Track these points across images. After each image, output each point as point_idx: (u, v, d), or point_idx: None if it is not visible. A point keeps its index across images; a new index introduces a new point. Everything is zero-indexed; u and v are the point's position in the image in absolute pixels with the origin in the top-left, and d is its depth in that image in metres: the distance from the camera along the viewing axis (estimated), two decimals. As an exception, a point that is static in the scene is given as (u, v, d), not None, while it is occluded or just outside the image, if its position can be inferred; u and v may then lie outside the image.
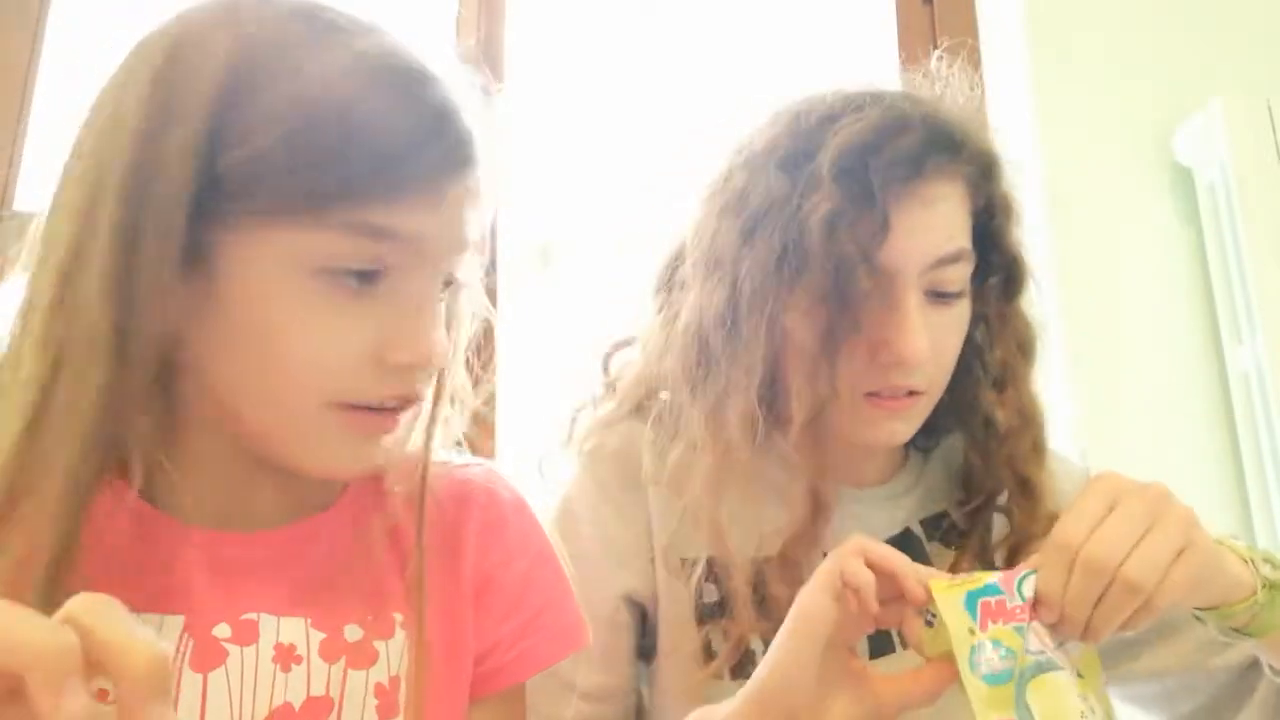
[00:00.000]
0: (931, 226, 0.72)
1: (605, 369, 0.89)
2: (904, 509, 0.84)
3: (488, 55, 1.51)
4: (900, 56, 1.63)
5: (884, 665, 0.76)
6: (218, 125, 0.51)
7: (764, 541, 0.76)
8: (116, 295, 0.50)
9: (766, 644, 0.65)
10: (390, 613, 0.61)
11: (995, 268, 0.79)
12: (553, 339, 1.38)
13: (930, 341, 0.72)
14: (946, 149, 0.73)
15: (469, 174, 0.56)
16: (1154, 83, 1.56)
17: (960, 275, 0.74)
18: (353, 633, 0.59)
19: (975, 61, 1.66)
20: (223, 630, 0.56)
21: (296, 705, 0.56)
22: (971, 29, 1.67)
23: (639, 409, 0.83)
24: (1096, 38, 1.59)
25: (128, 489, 0.53)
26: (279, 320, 0.53)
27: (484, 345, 0.70)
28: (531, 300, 1.40)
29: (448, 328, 0.60)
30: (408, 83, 0.54)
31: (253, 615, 0.57)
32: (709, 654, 0.76)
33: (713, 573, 0.77)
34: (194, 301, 0.53)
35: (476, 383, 0.70)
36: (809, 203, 0.71)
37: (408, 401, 0.57)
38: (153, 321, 0.51)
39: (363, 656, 0.59)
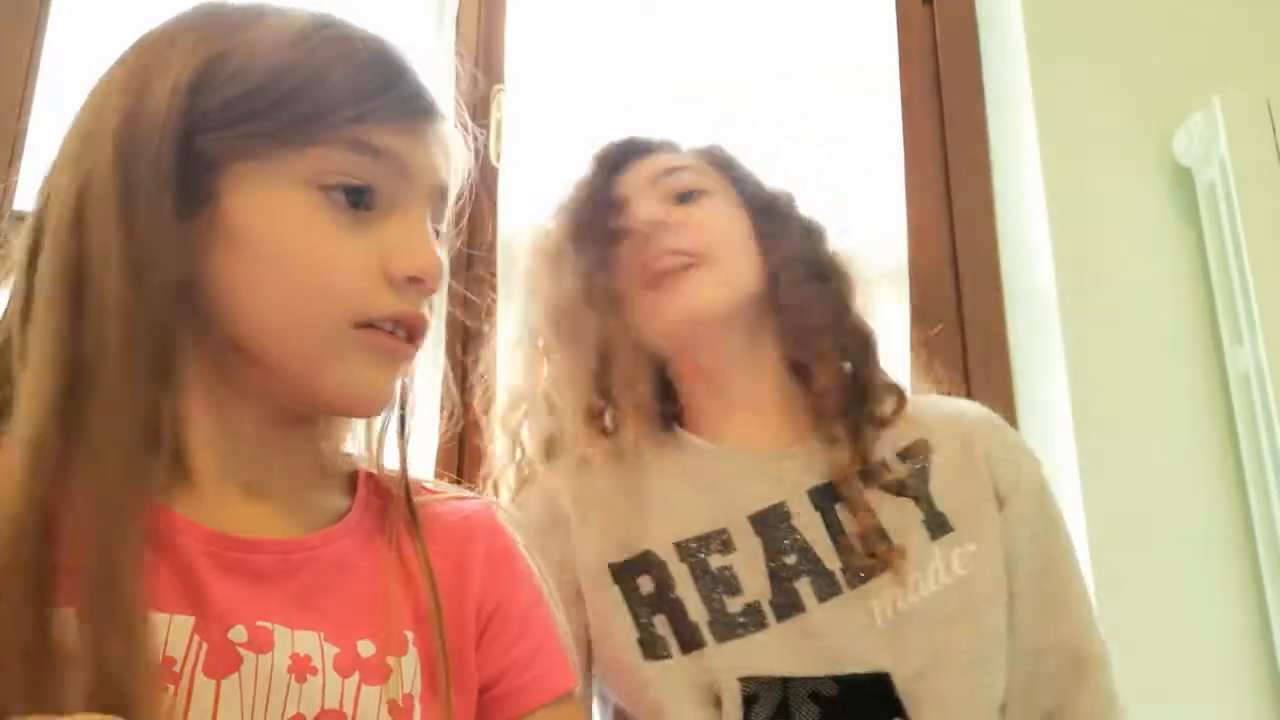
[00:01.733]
0: (654, 169, 0.94)
1: (510, 435, 0.96)
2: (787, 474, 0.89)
3: (488, 55, 1.51)
4: (900, 56, 1.63)
5: (832, 609, 0.82)
6: (202, 72, 0.56)
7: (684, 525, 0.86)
8: (123, 247, 0.53)
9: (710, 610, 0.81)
10: (402, 630, 0.60)
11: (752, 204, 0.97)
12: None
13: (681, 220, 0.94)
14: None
15: (437, 120, 0.62)
16: (1154, 83, 1.56)
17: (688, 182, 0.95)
18: (365, 648, 0.58)
19: (975, 61, 1.66)
20: (239, 634, 0.55)
21: (310, 717, 0.55)
22: (971, 29, 1.67)
23: (546, 455, 0.92)
24: (1096, 38, 1.59)
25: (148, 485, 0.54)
26: (289, 244, 0.57)
27: (468, 350, 0.73)
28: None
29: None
30: (370, 39, 0.61)
31: (266, 624, 0.56)
32: (650, 642, 0.82)
33: (644, 565, 0.85)
34: (206, 244, 0.56)
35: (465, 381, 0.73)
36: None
37: (416, 328, 0.61)
38: (166, 269, 0.54)
39: (376, 673, 0.58)
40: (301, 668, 0.55)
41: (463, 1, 1.54)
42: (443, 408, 0.79)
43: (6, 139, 1.38)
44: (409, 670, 0.59)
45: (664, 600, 0.83)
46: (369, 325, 0.58)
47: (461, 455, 1.23)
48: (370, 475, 0.68)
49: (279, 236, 0.57)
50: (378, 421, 0.68)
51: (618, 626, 0.83)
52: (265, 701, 0.54)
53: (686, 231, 0.88)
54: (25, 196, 1.48)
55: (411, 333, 0.61)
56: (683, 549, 0.85)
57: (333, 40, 0.59)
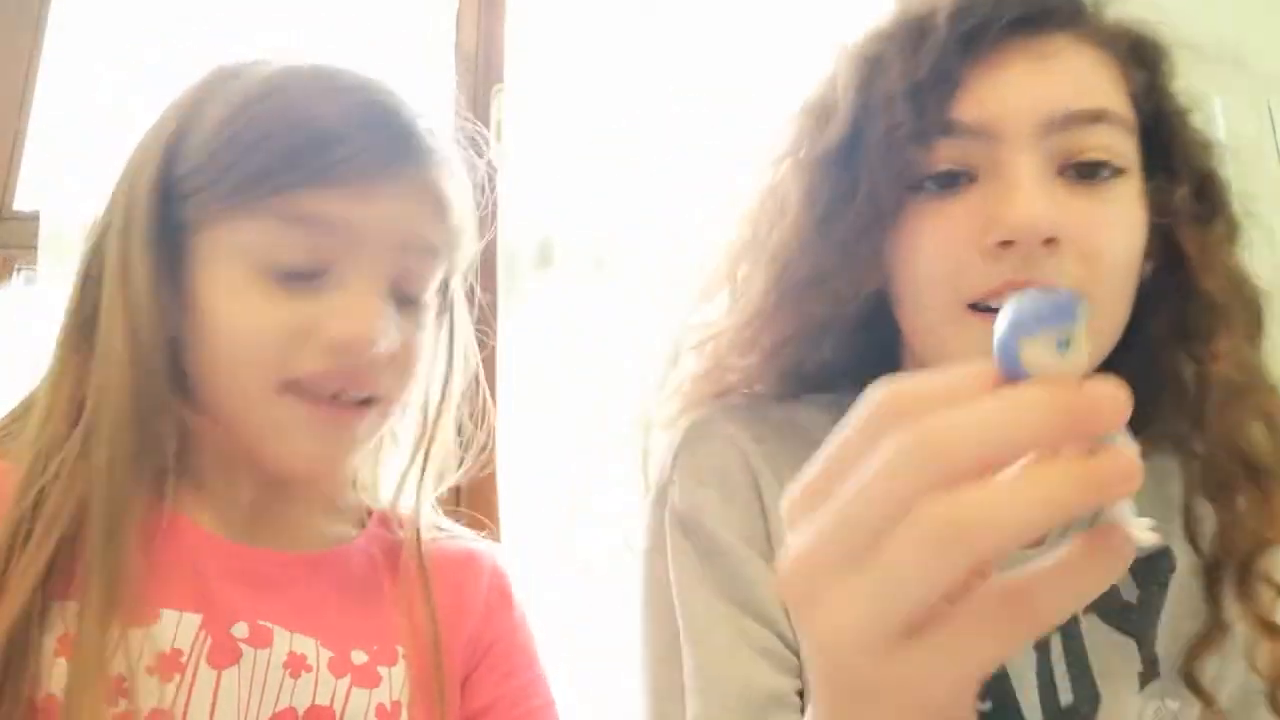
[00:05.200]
0: (1045, 79, 0.59)
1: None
2: None
3: (488, 55, 1.51)
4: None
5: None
6: (176, 138, 0.59)
7: None
8: (123, 303, 0.57)
9: None
10: (394, 645, 0.63)
11: (1179, 178, 0.63)
12: (554, 336, 1.38)
13: (1064, 221, 0.56)
14: (1067, 15, 0.62)
15: (408, 170, 0.59)
16: (1154, 83, 1.56)
17: (1105, 141, 0.59)
18: (358, 656, 0.62)
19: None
20: (240, 630, 0.59)
21: (300, 711, 0.58)
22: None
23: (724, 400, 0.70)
24: (1096, 38, 1.59)
25: (160, 497, 0.59)
26: (229, 306, 0.57)
27: (475, 395, 0.73)
28: (532, 298, 1.40)
29: (411, 350, 0.62)
30: (333, 81, 0.59)
31: (267, 624, 0.60)
32: None
33: None
34: (180, 305, 0.59)
35: (474, 418, 0.73)
36: (886, 80, 0.60)
37: (350, 387, 0.59)
38: (154, 328, 0.57)
39: (367, 678, 0.61)
40: (297, 665, 0.59)
41: (462, 2, 1.54)
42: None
43: (6, 139, 1.39)
44: (398, 680, 0.62)
45: None
46: (297, 387, 0.58)
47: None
48: (384, 514, 0.71)
49: (218, 305, 0.58)
50: (399, 462, 0.71)
51: None
52: (261, 693, 0.58)
53: (1077, 253, 0.57)
54: (25, 196, 1.49)
55: (353, 389, 0.59)
56: None
57: (274, 108, 0.58)
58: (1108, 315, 0.59)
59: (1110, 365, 0.60)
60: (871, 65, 0.62)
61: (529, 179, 1.41)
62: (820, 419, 0.67)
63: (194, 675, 0.56)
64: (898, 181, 0.60)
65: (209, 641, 0.57)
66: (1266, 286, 0.65)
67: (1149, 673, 0.63)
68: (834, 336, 0.66)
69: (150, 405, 0.57)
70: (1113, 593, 0.64)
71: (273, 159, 0.56)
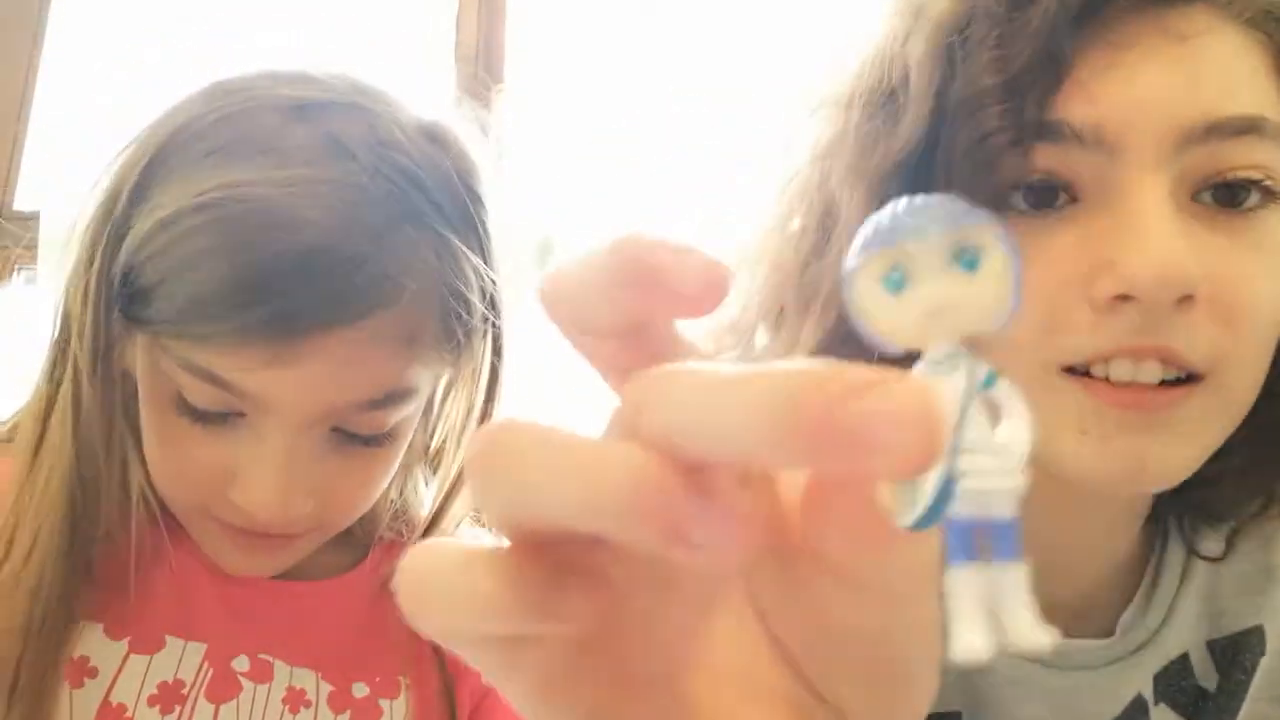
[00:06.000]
0: (1184, 73, 0.44)
1: None
2: (1140, 665, 0.54)
3: (487, 55, 1.51)
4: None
5: None
6: (123, 215, 0.53)
7: None
8: (90, 353, 0.53)
9: None
10: (397, 675, 0.62)
11: None
12: (553, 336, 1.38)
13: (1203, 271, 0.42)
14: None
15: (345, 329, 0.50)
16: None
17: (1258, 158, 0.45)
18: (359, 689, 0.60)
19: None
20: (241, 664, 0.58)
21: None
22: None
23: None
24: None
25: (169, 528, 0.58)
26: (149, 426, 0.54)
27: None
28: (531, 298, 1.40)
29: (361, 482, 0.57)
30: (279, 214, 0.50)
31: (268, 657, 0.59)
32: None
33: None
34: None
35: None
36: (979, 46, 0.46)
37: (285, 532, 0.55)
38: (110, 391, 0.54)
39: (366, 713, 0.60)
40: (296, 700, 0.58)
41: (462, 2, 1.54)
42: None
43: (6, 139, 1.38)
44: (399, 714, 0.61)
45: None
46: (221, 520, 0.55)
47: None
48: (391, 543, 0.67)
49: (146, 418, 0.54)
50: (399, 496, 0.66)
51: None
52: None
53: (1215, 310, 0.44)
54: (25, 196, 1.48)
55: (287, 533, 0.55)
56: None
57: (195, 243, 0.49)
58: (1248, 379, 0.46)
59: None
60: (952, 48, 0.47)
61: (529, 179, 1.41)
62: None
63: (192, 709, 0.55)
64: (981, 196, 0.41)
65: (210, 674, 0.56)
66: None
67: None
68: None
69: (92, 465, 0.54)
70: (1188, 678, 0.54)
71: (177, 308, 0.50)
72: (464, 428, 0.63)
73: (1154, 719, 0.53)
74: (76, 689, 0.55)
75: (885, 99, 0.49)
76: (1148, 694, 0.54)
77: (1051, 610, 0.17)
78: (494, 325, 0.60)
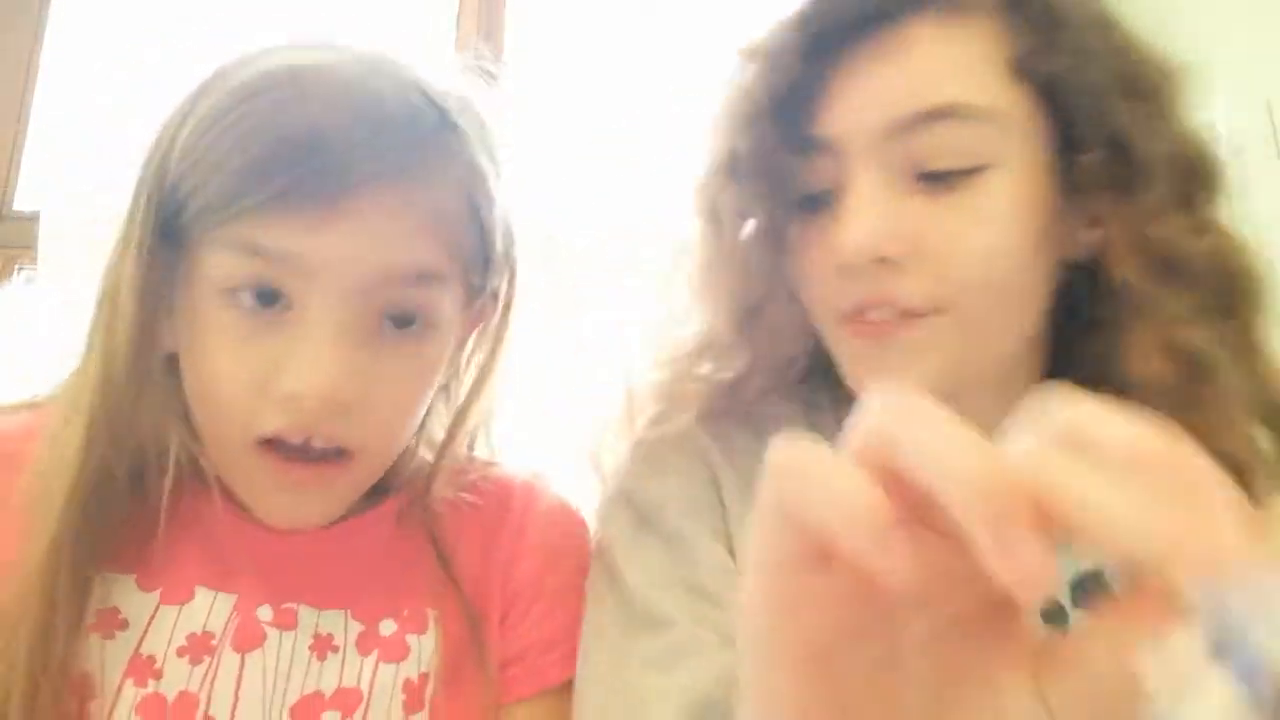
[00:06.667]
0: (886, 79, 0.54)
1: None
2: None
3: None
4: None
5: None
6: (168, 152, 0.55)
7: None
8: (107, 324, 0.55)
9: None
10: (425, 609, 0.62)
11: (1086, 144, 0.55)
12: (554, 335, 1.38)
13: (919, 232, 0.53)
14: None
15: (381, 188, 0.52)
16: (1154, 82, 1.56)
17: (949, 141, 0.54)
18: (387, 627, 0.61)
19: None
20: (265, 613, 0.58)
21: (327, 694, 0.58)
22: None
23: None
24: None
25: (201, 482, 0.58)
26: (198, 347, 0.54)
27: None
28: (532, 296, 1.39)
29: (399, 385, 0.57)
30: (307, 86, 0.53)
31: (293, 605, 0.59)
32: None
33: None
34: (174, 331, 0.56)
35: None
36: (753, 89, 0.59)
37: (325, 440, 0.55)
38: (133, 353, 0.54)
39: (394, 651, 0.60)
40: (323, 646, 0.59)
41: (462, 2, 1.54)
42: None
43: (6, 139, 1.39)
44: (427, 649, 0.61)
45: None
46: (269, 444, 0.54)
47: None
48: (409, 479, 0.67)
49: (192, 340, 0.54)
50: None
51: None
52: (286, 678, 0.57)
53: (928, 266, 0.54)
54: (25, 196, 1.49)
55: (310, 440, 0.54)
56: None
57: (233, 124, 0.52)
58: (984, 323, 0.55)
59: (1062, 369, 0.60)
60: (740, 82, 0.61)
61: (529, 178, 1.41)
62: (785, 409, 0.66)
63: (218, 659, 0.56)
64: (779, 202, 0.59)
65: (236, 623, 0.57)
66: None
67: None
68: (793, 343, 0.65)
69: (120, 429, 0.55)
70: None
71: (224, 184, 0.51)
72: (478, 381, 0.65)
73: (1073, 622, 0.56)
74: (108, 640, 0.55)
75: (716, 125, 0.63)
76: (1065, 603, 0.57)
77: None
78: (509, 277, 0.64)
